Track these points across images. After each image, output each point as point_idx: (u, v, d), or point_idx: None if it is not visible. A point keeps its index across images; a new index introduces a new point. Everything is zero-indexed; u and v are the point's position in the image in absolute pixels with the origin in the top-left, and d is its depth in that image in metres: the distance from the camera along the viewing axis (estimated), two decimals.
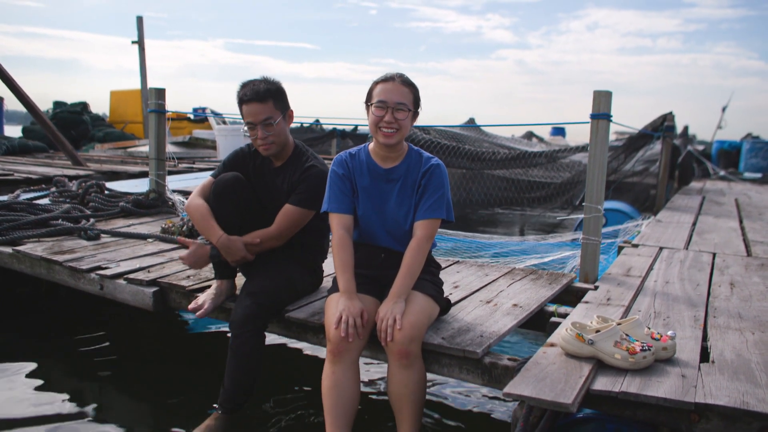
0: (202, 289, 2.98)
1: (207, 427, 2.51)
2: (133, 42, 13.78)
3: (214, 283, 2.87)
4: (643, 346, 2.06)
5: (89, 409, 2.94)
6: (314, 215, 2.82)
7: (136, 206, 4.87)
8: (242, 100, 2.70)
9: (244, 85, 2.72)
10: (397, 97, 2.39)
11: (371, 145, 2.57)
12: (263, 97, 2.67)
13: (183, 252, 2.87)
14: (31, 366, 3.38)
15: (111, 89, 16.86)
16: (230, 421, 2.55)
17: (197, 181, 2.87)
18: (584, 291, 3.17)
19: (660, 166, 7.95)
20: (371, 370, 3.49)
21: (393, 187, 2.51)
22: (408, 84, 2.44)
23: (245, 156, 2.90)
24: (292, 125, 2.92)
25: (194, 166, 8.51)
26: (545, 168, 8.35)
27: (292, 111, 2.83)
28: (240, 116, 2.78)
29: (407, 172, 2.51)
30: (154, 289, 3.08)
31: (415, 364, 2.25)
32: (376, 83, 2.45)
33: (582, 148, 7.30)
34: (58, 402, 2.99)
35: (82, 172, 7.09)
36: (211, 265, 2.85)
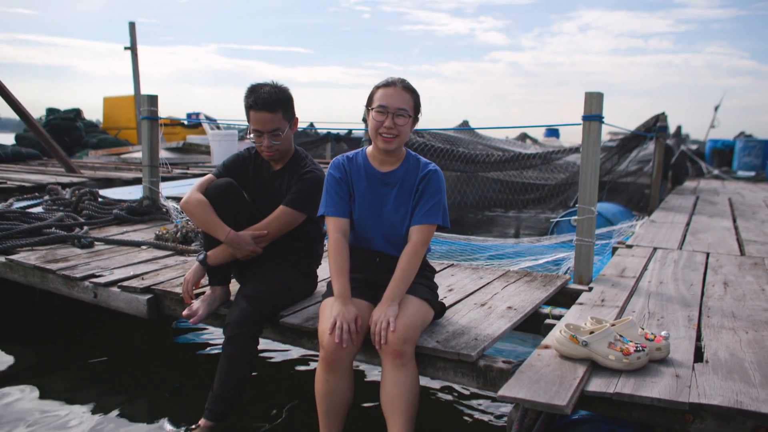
0: (196, 296, 2.97)
1: None
2: (125, 48, 13.77)
3: (208, 290, 2.87)
4: (637, 347, 2.06)
5: (83, 417, 2.92)
6: (308, 221, 2.83)
7: (129, 213, 4.86)
8: (251, 107, 2.68)
9: (254, 90, 2.70)
10: (398, 102, 2.39)
11: (369, 149, 2.57)
12: (273, 107, 2.67)
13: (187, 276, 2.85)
14: (27, 376, 3.37)
15: (104, 95, 16.82)
16: (216, 429, 2.51)
17: (191, 187, 2.86)
18: (578, 292, 3.18)
19: (653, 166, 7.98)
20: (365, 374, 3.48)
21: (390, 191, 2.51)
22: (409, 90, 2.44)
23: (245, 159, 2.91)
24: None
25: (188, 171, 8.50)
26: (539, 169, 8.37)
27: (297, 118, 2.84)
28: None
29: (405, 176, 2.51)
30: (149, 296, 3.07)
31: (409, 365, 2.24)
32: (377, 87, 2.45)
33: (576, 149, 7.31)
34: (52, 410, 2.97)
35: (75, 179, 7.08)
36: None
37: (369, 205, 2.52)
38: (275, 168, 2.88)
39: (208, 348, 3.97)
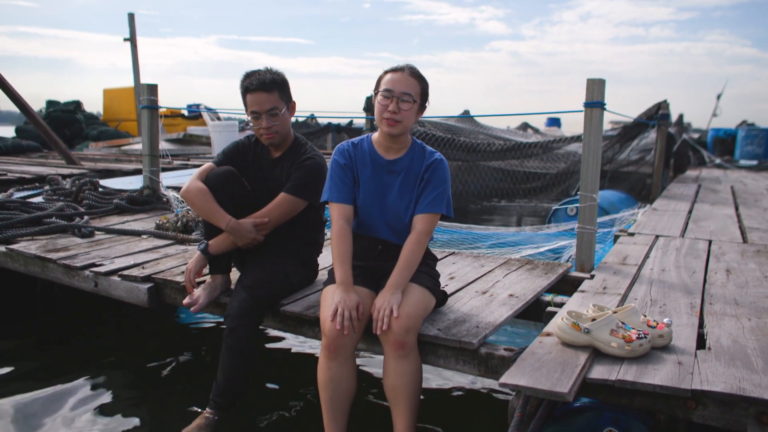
0: (198, 284, 2.96)
1: (197, 426, 2.48)
2: (125, 39, 13.71)
3: (209, 278, 2.86)
4: (639, 334, 2.05)
5: (81, 407, 2.92)
6: (309, 208, 2.82)
7: (130, 203, 4.85)
8: (247, 89, 2.70)
9: (249, 75, 2.72)
10: (403, 87, 2.38)
11: (375, 136, 2.55)
12: (269, 87, 2.68)
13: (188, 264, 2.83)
14: (26, 367, 3.37)
15: (104, 87, 16.81)
16: (220, 420, 2.52)
17: (191, 175, 2.85)
18: (580, 280, 3.16)
19: (655, 155, 7.95)
20: (367, 361, 3.48)
21: (395, 179, 2.50)
22: (416, 76, 2.43)
23: (245, 146, 2.91)
24: None
25: (189, 162, 8.47)
26: (541, 159, 8.35)
27: (294, 103, 2.84)
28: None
29: (410, 164, 2.50)
30: (149, 285, 3.06)
31: (411, 354, 2.24)
32: (385, 72, 2.45)
33: (577, 138, 7.29)
34: (53, 403, 2.97)
35: (76, 171, 7.06)
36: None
37: (373, 193, 2.50)
38: (275, 155, 2.86)
39: (212, 337, 3.98)
